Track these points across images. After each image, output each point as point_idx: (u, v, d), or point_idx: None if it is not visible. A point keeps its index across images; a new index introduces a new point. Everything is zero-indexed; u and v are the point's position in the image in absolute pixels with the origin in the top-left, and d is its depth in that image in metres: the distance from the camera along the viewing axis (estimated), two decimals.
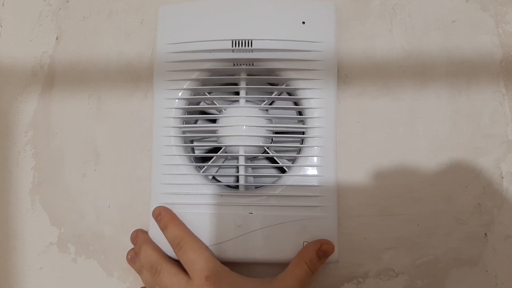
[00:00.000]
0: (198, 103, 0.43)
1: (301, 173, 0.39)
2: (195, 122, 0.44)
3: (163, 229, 0.38)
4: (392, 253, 0.40)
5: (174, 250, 0.37)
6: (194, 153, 0.42)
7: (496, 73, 0.40)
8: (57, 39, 0.47)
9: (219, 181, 0.43)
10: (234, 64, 0.40)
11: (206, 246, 0.38)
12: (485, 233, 0.40)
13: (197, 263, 0.35)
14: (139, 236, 0.40)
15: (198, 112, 0.43)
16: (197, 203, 0.39)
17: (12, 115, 0.47)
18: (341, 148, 0.40)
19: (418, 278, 0.40)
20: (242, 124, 0.39)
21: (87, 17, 0.46)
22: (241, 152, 0.39)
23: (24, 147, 0.46)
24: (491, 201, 0.40)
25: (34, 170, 0.46)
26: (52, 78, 0.46)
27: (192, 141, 0.44)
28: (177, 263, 0.38)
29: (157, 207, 0.39)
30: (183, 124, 0.41)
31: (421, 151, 0.40)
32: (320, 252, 0.36)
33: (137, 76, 0.45)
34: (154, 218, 0.39)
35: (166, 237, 0.38)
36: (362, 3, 0.42)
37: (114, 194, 0.44)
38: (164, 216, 0.38)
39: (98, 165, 0.44)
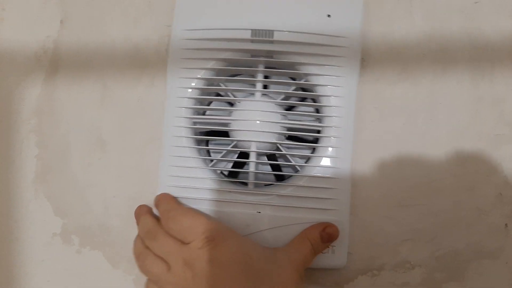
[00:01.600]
0: (211, 94, 0.42)
1: (314, 173, 0.37)
2: (204, 114, 0.43)
3: (156, 207, 0.37)
4: (409, 245, 0.39)
5: (164, 224, 0.34)
6: (205, 145, 0.41)
7: None
8: (61, 22, 0.45)
9: (228, 176, 0.42)
10: (252, 56, 0.39)
11: (201, 212, 0.36)
12: (506, 224, 0.38)
13: (193, 227, 0.32)
14: (141, 209, 0.39)
15: (211, 103, 0.42)
16: (204, 198, 0.38)
17: (15, 101, 0.45)
18: (357, 135, 0.39)
19: (437, 271, 0.38)
20: (256, 119, 0.37)
21: (93, 0, 0.45)
22: (253, 148, 0.38)
23: (28, 135, 0.45)
24: None
25: (37, 159, 0.45)
26: (56, 63, 0.45)
27: (203, 133, 0.42)
28: None
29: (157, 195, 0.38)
30: (195, 114, 0.40)
31: (441, 139, 0.39)
32: (324, 233, 0.35)
33: (144, 62, 0.43)
34: (156, 206, 0.38)
35: (159, 213, 0.36)
36: None
37: (121, 184, 0.43)
38: (161, 199, 0.37)
39: (104, 154, 0.43)
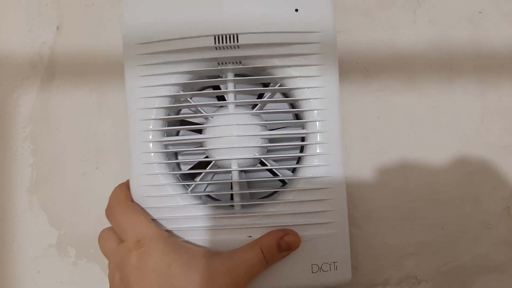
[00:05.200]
0: (179, 112, 0.39)
1: (304, 185, 0.34)
2: (178, 133, 0.40)
3: None
4: (415, 259, 0.38)
5: (107, 217, 0.34)
6: (180, 168, 0.38)
7: None
8: (57, 29, 0.45)
9: (213, 198, 0.39)
10: (218, 64, 0.35)
11: (142, 209, 0.34)
12: None
13: (128, 226, 0.32)
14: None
15: (180, 122, 0.39)
16: (187, 228, 0.35)
17: (10, 109, 0.45)
18: (360, 146, 0.39)
19: (443, 286, 0.38)
20: (233, 134, 0.34)
21: (90, 5, 0.45)
22: (234, 166, 0.34)
23: (22, 144, 0.45)
24: None
25: (32, 167, 0.44)
26: (52, 70, 0.45)
27: (177, 155, 0.39)
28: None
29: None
30: (164, 137, 0.36)
31: (447, 150, 0.39)
32: (282, 242, 0.32)
33: None
34: None
35: None
36: None
37: None
38: (115, 189, 0.36)
39: (100, 163, 0.43)
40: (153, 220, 0.34)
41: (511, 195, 0.38)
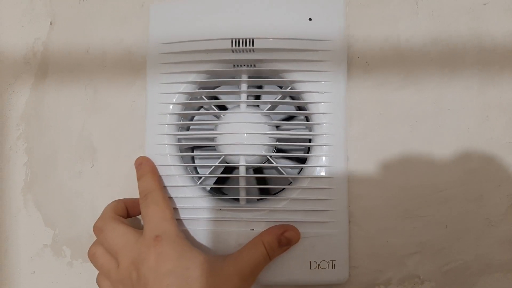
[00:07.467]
0: (195, 108, 0.42)
1: (307, 185, 0.36)
2: (188, 128, 0.43)
3: (139, 179, 0.37)
4: (417, 258, 0.38)
5: (140, 202, 0.36)
6: (192, 162, 0.41)
7: None
8: (51, 24, 0.45)
9: (224, 193, 0.42)
10: (234, 66, 0.39)
11: (170, 205, 0.36)
12: None
13: (152, 220, 0.33)
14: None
15: (194, 117, 0.42)
16: (194, 218, 0.38)
17: (3, 107, 0.45)
18: (361, 143, 0.39)
19: (446, 286, 0.38)
20: (243, 131, 0.37)
21: (83, 0, 0.44)
22: (242, 162, 0.37)
23: (16, 142, 0.45)
24: None
25: (26, 166, 0.44)
26: (45, 67, 0.45)
27: (188, 149, 0.42)
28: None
29: (140, 156, 0.39)
30: (179, 131, 0.39)
31: (450, 147, 0.38)
32: (283, 238, 0.35)
33: (136, 65, 0.43)
34: (135, 167, 0.39)
35: (138, 188, 0.37)
36: None
37: (113, 192, 0.42)
38: (145, 166, 0.38)
39: (95, 162, 0.43)
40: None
41: None
